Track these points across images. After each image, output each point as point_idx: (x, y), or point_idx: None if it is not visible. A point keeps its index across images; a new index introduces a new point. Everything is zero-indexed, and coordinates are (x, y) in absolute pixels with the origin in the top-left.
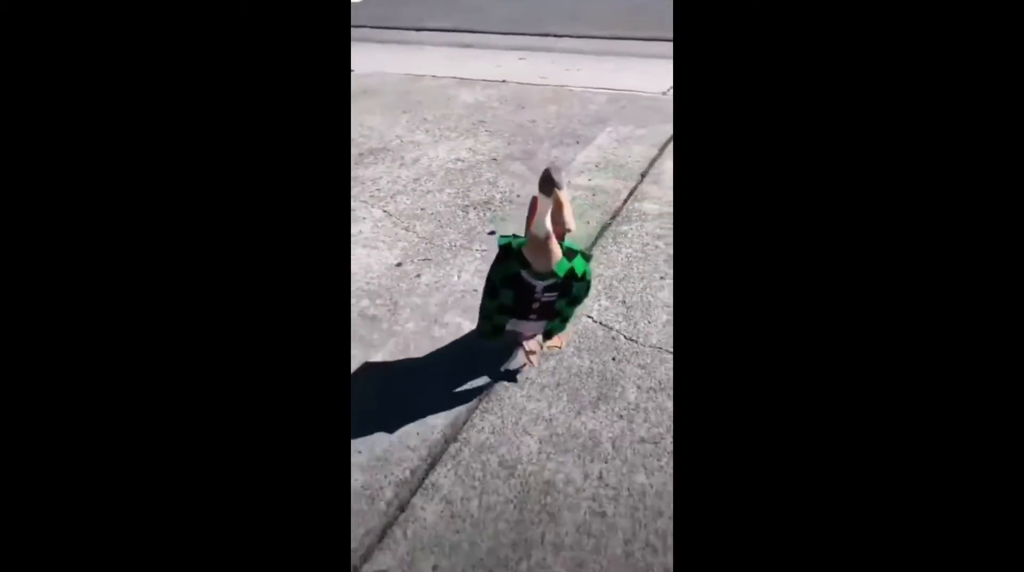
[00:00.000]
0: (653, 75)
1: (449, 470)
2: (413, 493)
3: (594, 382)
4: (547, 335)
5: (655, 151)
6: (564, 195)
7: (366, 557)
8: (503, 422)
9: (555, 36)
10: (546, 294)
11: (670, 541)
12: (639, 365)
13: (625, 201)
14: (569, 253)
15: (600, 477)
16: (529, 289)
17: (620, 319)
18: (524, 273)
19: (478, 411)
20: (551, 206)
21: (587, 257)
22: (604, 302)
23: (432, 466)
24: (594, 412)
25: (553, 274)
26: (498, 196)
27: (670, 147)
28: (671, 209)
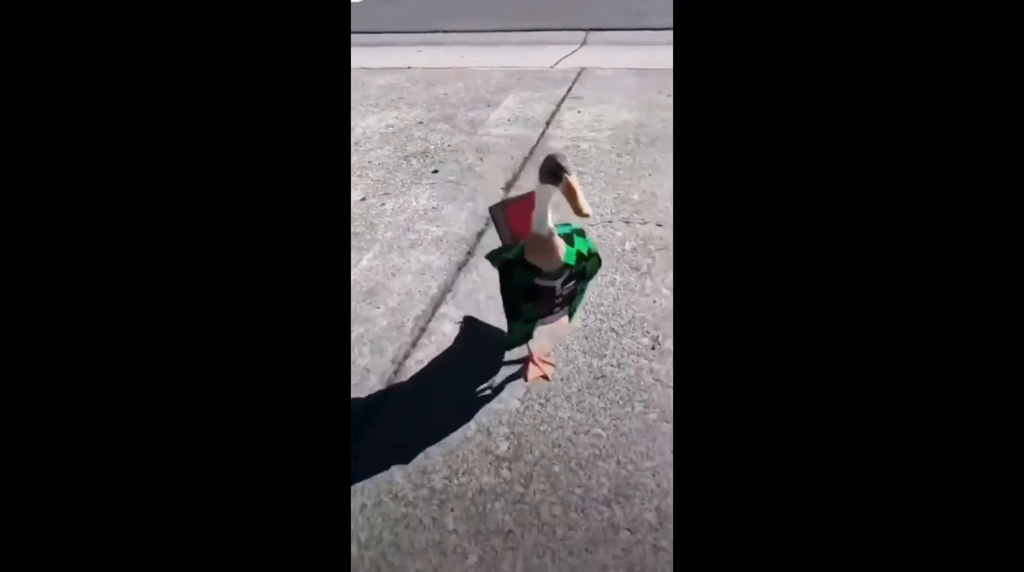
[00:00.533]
0: (537, 56)
1: (450, 306)
2: (428, 320)
3: None
4: (570, 315)
5: (553, 107)
6: (575, 180)
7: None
8: (482, 277)
9: (444, 32)
10: (565, 287)
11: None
12: None
13: (537, 141)
14: (567, 238)
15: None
16: (549, 291)
17: None
18: (538, 280)
19: (462, 271)
20: (550, 199)
21: (583, 233)
22: None
23: (436, 308)
24: None
25: (566, 267)
26: (432, 147)
27: (564, 103)
28: (572, 143)
